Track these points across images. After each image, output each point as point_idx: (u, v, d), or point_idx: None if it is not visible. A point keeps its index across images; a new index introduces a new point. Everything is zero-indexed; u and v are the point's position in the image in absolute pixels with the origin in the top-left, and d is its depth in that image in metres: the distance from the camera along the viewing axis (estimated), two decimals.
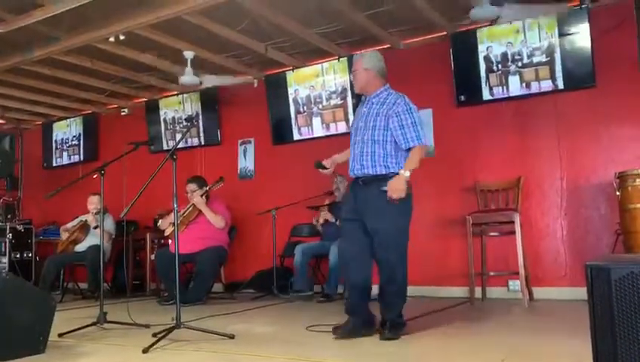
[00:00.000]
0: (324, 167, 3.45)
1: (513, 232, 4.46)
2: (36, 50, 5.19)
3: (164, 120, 7.03)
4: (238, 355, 2.80)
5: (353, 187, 3.32)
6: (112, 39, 4.92)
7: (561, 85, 4.79)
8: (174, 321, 3.19)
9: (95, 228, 5.82)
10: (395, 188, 3.07)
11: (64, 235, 6.06)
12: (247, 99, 6.50)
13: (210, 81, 5.83)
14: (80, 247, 5.94)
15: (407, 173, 3.10)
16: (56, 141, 8.03)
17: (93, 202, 5.87)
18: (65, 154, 7.93)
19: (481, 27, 5.07)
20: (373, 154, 3.18)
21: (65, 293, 6.11)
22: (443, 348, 2.94)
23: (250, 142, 6.55)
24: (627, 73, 4.56)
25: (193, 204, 5.34)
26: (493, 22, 4.88)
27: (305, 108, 6.04)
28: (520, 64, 4.94)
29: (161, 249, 5.86)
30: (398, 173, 3.11)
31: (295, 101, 6.09)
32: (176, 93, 6.90)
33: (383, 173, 3.16)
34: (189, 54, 5.38)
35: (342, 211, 3.47)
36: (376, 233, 3.15)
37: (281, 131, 6.22)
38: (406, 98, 3.25)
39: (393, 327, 3.12)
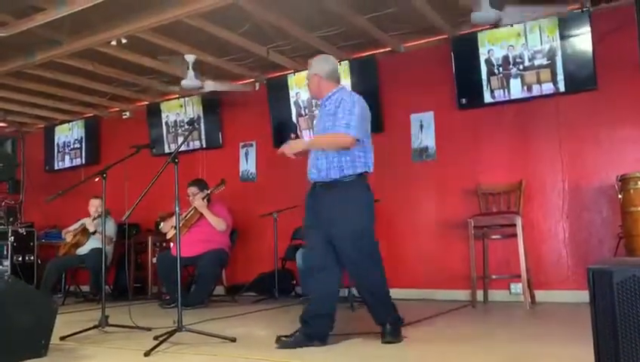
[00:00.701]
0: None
1: (515, 235, 4.45)
2: (38, 53, 5.20)
3: (166, 123, 7.04)
4: (239, 358, 2.80)
5: (312, 193, 3.23)
6: (113, 43, 4.93)
7: (562, 88, 4.79)
8: (176, 324, 3.19)
9: (93, 233, 5.83)
10: (288, 145, 3.14)
11: (68, 237, 6.07)
12: (248, 102, 6.51)
13: (211, 86, 5.84)
14: (82, 250, 5.95)
15: (307, 141, 3.12)
16: (58, 144, 8.04)
17: (94, 205, 5.89)
18: (67, 157, 7.94)
19: (482, 30, 5.08)
20: (327, 156, 3.10)
21: (67, 296, 6.11)
22: (444, 351, 2.93)
23: (251, 144, 6.56)
24: (629, 76, 4.56)
25: (195, 207, 5.35)
26: (494, 25, 4.88)
27: (306, 111, 6.05)
28: (521, 67, 4.95)
29: (162, 252, 5.87)
30: (353, 176, 3.07)
31: (296, 104, 6.09)
32: (177, 96, 6.91)
33: (337, 177, 3.07)
34: (190, 58, 5.38)
35: (304, 219, 3.29)
36: (334, 239, 3.04)
37: (282, 134, 6.19)
38: (355, 94, 3.20)
39: (392, 330, 3.06)
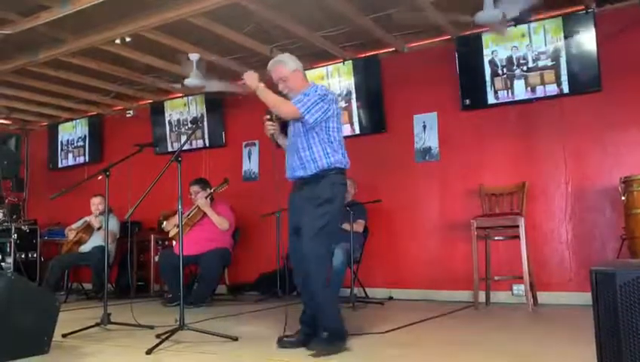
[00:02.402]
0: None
1: (518, 236, 4.44)
2: (42, 51, 5.22)
3: (169, 122, 7.05)
4: (241, 357, 2.80)
5: (292, 193, 3.24)
6: (117, 41, 4.94)
7: (566, 89, 4.77)
8: (178, 323, 3.20)
9: (98, 229, 5.84)
10: (248, 74, 3.14)
11: (71, 235, 6.08)
12: (251, 102, 6.44)
13: (213, 86, 5.83)
14: (84, 248, 5.96)
15: (260, 85, 3.09)
16: (61, 142, 8.06)
17: (95, 203, 5.91)
18: (70, 155, 7.96)
19: (486, 31, 5.07)
20: (298, 154, 3.12)
21: (69, 294, 6.12)
22: (446, 353, 2.93)
23: (254, 144, 6.56)
24: (633, 77, 4.55)
25: (198, 205, 5.35)
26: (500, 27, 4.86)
27: None
28: (525, 68, 4.94)
29: (165, 250, 5.88)
30: (330, 170, 3.04)
31: None
32: (181, 95, 6.92)
33: (315, 172, 3.05)
34: (194, 56, 5.39)
35: (288, 217, 3.27)
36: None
37: (285, 134, 6.20)
38: (321, 87, 3.16)
39: (325, 341, 2.87)
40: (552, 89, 4.83)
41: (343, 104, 5.85)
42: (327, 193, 3.02)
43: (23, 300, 2.90)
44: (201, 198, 5.32)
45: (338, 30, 5.17)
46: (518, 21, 4.78)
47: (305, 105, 3.04)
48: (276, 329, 3.55)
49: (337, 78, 5.85)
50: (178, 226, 3.61)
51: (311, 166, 3.07)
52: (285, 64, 3.22)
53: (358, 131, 5.74)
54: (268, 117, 3.25)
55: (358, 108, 5.74)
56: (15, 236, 6.55)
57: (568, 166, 4.83)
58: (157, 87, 6.70)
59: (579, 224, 4.75)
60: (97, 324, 3.63)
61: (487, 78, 5.09)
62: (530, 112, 5.00)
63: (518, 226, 4.44)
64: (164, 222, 5.68)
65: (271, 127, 3.28)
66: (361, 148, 5.35)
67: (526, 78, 4.94)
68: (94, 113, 7.71)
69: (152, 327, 3.59)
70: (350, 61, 5.75)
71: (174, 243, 5.46)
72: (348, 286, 4.76)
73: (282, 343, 3.03)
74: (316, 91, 3.10)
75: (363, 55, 5.77)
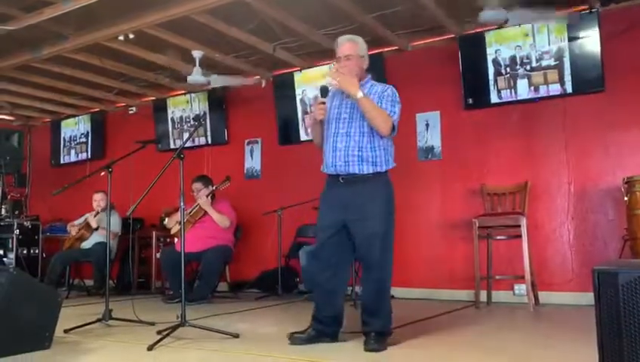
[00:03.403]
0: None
1: (519, 236, 4.44)
2: (46, 47, 5.22)
3: (172, 119, 7.05)
4: (242, 354, 2.80)
5: (334, 185, 3.05)
6: (121, 38, 4.94)
7: (569, 89, 4.76)
8: (179, 319, 3.20)
9: (96, 229, 5.85)
10: (342, 76, 2.92)
11: (72, 231, 6.09)
12: (254, 99, 6.51)
13: (218, 81, 5.84)
14: (86, 244, 5.97)
15: (360, 92, 2.89)
16: (64, 138, 8.08)
17: (96, 199, 5.92)
18: (73, 151, 7.97)
19: (489, 30, 5.06)
20: (361, 148, 2.96)
21: (71, 290, 6.13)
22: (447, 352, 2.93)
23: (257, 142, 6.56)
24: (637, 78, 4.54)
25: (199, 204, 5.36)
26: (501, 25, 4.86)
27: (312, 109, 6.04)
28: (529, 67, 4.93)
29: (166, 247, 5.89)
30: (384, 172, 3.02)
31: (302, 102, 6.09)
32: (184, 92, 6.93)
33: (371, 171, 2.97)
34: (197, 53, 5.39)
35: (324, 212, 3.12)
36: (358, 236, 2.98)
37: (287, 132, 6.23)
38: (392, 87, 3.08)
39: (378, 337, 2.92)
40: (555, 89, 4.82)
41: None
42: (386, 195, 3.02)
43: (24, 296, 2.91)
44: (201, 197, 5.32)
45: (341, 28, 5.14)
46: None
47: (396, 121, 2.99)
48: (277, 327, 3.56)
49: None
50: (180, 223, 3.61)
51: (370, 165, 2.97)
52: (359, 46, 3.08)
53: None
54: (323, 100, 3.02)
55: None
56: (17, 232, 6.55)
57: (571, 166, 4.82)
58: (160, 84, 6.70)
59: (581, 224, 4.74)
60: (99, 320, 3.64)
61: (491, 77, 5.08)
62: (533, 112, 4.99)
63: (519, 226, 4.43)
64: (166, 219, 5.68)
65: (324, 112, 3.05)
66: None
67: (529, 78, 4.93)
68: (97, 110, 7.72)
69: (153, 324, 3.60)
70: None
71: (176, 240, 5.46)
72: (350, 285, 4.75)
73: (293, 339, 3.03)
74: (395, 95, 3.02)
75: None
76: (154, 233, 6.30)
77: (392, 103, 3.00)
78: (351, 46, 3.05)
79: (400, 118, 3.05)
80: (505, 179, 4.98)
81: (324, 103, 3.03)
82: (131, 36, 4.89)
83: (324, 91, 3.03)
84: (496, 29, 5.00)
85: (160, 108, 7.14)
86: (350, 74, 2.97)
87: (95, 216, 5.87)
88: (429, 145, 5.45)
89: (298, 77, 6.09)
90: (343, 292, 3.17)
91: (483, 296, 4.72)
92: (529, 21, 4.72)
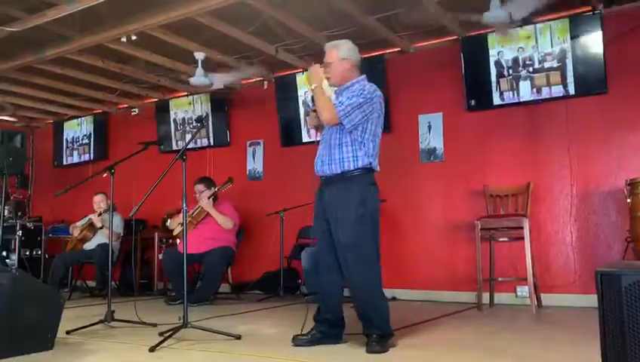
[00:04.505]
0: None
1: (522, 238, 4.43)
2: (49, 49, 5.23)
3: (174, 120, 7.06)
4: (244, 356, 2.80)
5: (320, 187, 3.14)
6: (123, 39, 4.95)
7: (572, 91, 4.75)
8: (181, 321, 3.20)
9: (100, 228, 5.86)
10: (315, 67, 3.09)
11: (75, 232, 6.10)
12: (256, 101, 6.52)
13: (218, 80, 5.82)
14: (88, 246, 5.98)
15: (322, 84, 3.01)
16: (66, 140, 8.09)
17: (97, 201, 5.93)
18: (75, 153, 7.98)
19: (492, 31, 5.05)
20: (333, 149, 3.01)
21: (73, 291, 6.14)
22: (449, 353, 2.92)
23: (259, 143, 6.56)
24: (639, 79, 4.53)
25: (201, 206, 5.36)
26: (501, 28, 4.84)
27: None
28: (531, 69, 4.92)
29: (169, 248, 5.89)
30: (356, 171, 2.97)
31: (305, 103, 6.09)
32: (186, 93, 6.93)
33: (339, 171, 2.97)
34: (199, 55, 5.39)
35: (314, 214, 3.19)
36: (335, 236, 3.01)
37: (290, 133, 6.23)
38: (371, 85, 3.05)
39: (379, 340, 2.91)
40: (557, 90, 4.82)
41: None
42: (359, 196, 2.95)
43: (27, 297, 2.91)
44: (203, 199, 5.32)
45: (343, 30, 5.15)
46: (524, 22, 4.75)
47: (344, 110, 2.95)
48: (279, 328, 3.56)
49: None
50: (182, 224, 3.61)
51: (336, 166, 2.99)
52: (338, 50, 3.11)
53: None
54: (314, 108, 3.17)
55: None
56: (20, 233, 6.57)
57: (573, 167, 4.81)
58: (162, 86, 6.71)
59: (584, 226, 4.73)
60: (101, 321, 3.65)
61: (493, 78, 5.08)
62: (535, 114, 4.98)
63: (522, 227, 4.42)
64: (169, 221, 5.69)
65: (315, 120, 3.19)
66: None
67: (532, 79, 4.92)
68: (100, 111, 7.73)
69: (155, 325, 3.60)
70: None
71: (178, 241, 5.47)
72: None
73: (296, 341, 3.04)
74: (362, 91, 2.99)
75: (368, 55, 5.73)
76: (156, 234, 6.30)
77: (349, 96, 2.99)
78: (331, 53, 3.14)
79: (374, 116, 3.01)
80: (507, 180, 4.97)
81: (314, 111, 3.16)
82: (134, 38, 4.90)
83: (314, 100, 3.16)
84: (500, 34, 4.96)
85: (162, 109, 7.15)
86: (335, 78, 3.07)
87: (99, 215, 5.88)
88: (431, 146, 5.45)
89: (300, 78, 6.09)
90: (339, 294, 3.15)
91: (485, 297, 4.71)
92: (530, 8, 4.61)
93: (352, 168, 2.98)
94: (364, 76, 3.15)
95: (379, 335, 2.91)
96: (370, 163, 3.01)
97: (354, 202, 2.94)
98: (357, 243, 2.93)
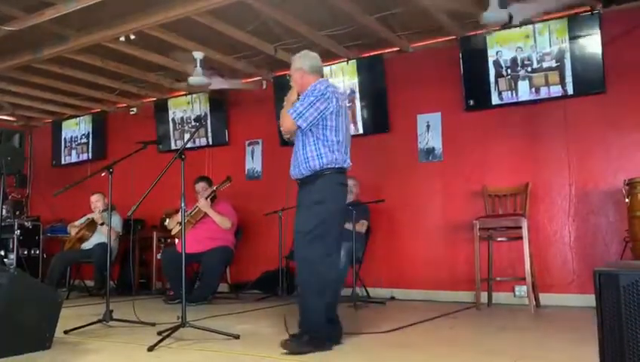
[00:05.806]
0: None
1: (520, 238, 4.43)
2: (47, 48, 5.22)
3: (173, 120, 7.05)
4: (243, 355, 2.80)
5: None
6: (122, 39, 4.94)
7: (570, 91, 4.76)
8: (180, 320, 3.20)
9: (101, 224, 5.85)
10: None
11: (73, 231, 6.09)
12: (255, 101, 6.51)
13: (218, 84, 5.84)
14: (87, 245, 5.97)
15: (292, 98, 3.18)
16: (65, 139, 8.08)
17: (93, 201, 5.92)
18: (74, 152, 7.98)
19: (490, 31, 5.06)
20: (297, 152, 3.13)
21: (71, 290, 6.13)
22: (447, 353, 2.92)
23: (257, 143, 6.56)
24: (638, 79, 4.54)
25: (198, 206, 5.35)
26: (503, 26, 4.85)
27: None
28: (529, 69, 4.92)
29: (167, 248, 5.88)
30: (320, 172, 3.03)
31: None
32: (185, 93, 6.93)
33: (308, 173, 3.04)
34: (198, 55, 5.39)
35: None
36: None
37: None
38: (321, 83, 3.11)
39: (302, 342, 2.87)
40: (556, 90, 4.82)
41: (346, 104, 5.84)
42: (318, 195, 3.01)
43: (25, 296, 2.91)
44: (201, 199, 5.31)
45: (342, 29, 5.17)
46: (522, 23, 4.76)
47: (296, 112, 3.04)
48: (277, 328, 3.56)
49: (341, 77, 5.84)
50: (181, 224, 3.61)
51: (303, 166, 3.07)
52: (293, 63, 3.31)
53: (361, 131, 5.73)
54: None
55: (361, 107, 5.74)
56: (18, 232, 6.56)
57: (572, 167, 4.81)
58: (161, 85, 6.70)
59: (582, 226, 4.74)
60: (99, 321, 3.64)
61: (492, 78, 5.08)
62: (534, 113, 4.98)
63: (520, 227, 4.43)
64: (167, 220, 5.68)
65: (286, 135, 3.34)
66: (364, 147, 5.36)
67: (530, 79, 4.93)
68: (98, 110, 7.73)
69: (153, 324, 3.61)
70: (354, 60, 5.74)
71: (177, 240, 5.46)
72: (350, 286, 4.76)
73: (287, 346, 3.00)
74: (314, 91, 3.08)
75: (367, 54, 5.76)
76: (155, 234, 6.30)
77: (302, 99, 3.10)
78: (291, 68, 3.33)
79: (326, 111, 3.05)
80: (506, 180, 4.98)
81: None
82: (132, 37, 4.90)
83: None
84: (497, 30, 4.98)
85: (161, 109, 7.14)
86: (299, 88, 3.24)
87: (101, 211, 5.86)
88: (429, 146, 5.45)
89: None
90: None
91: (484, 297, 4.72)
92: (532, 11, 4.63)
93: (318, 168, 3.03)
94: (321, 78, 3.25)
95: (300, 333, 2.92)
96: (336, 159, 3.05)
97: (315, 198, 3.02)
98: (305, 231, 2.98)
